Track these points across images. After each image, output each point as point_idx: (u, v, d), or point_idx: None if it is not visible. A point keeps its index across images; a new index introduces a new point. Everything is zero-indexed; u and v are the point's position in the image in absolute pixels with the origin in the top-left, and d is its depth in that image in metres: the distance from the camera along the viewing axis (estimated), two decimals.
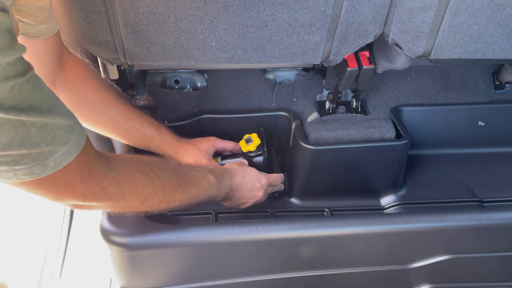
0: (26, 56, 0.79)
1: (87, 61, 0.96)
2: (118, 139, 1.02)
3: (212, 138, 1.11)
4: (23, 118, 0.50)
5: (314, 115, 1.16)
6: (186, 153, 1.06)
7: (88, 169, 0.64)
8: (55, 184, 0.61)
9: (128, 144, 1.03)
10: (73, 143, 0.58)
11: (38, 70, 0.82)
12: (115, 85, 1.01)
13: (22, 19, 0.72)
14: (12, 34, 0.49)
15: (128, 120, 0.99)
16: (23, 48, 0.52)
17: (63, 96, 0.89)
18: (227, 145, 1.13)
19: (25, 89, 0.50)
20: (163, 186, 0.80)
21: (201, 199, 0.88)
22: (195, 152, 1.07)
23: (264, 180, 1.02)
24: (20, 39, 0.75)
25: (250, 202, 1.02)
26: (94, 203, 0.69)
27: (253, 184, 1.00)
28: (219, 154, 1.14)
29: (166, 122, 1.13)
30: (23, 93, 0.50)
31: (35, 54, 0.81)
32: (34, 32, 0.76)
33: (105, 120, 0.97)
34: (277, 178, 1.09)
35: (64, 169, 0.58)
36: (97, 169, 0.66)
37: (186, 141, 1.08)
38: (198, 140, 1.10)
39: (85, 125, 0.96)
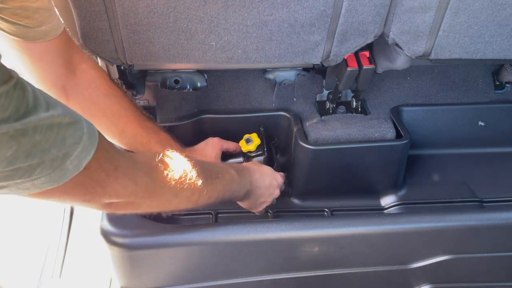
0: (33, 61, 0.77)
1: (99, 63, 0.93)
2: (126, 148, 1.02)
3: (215, 140, 1.10)
4: (20, 126, 0.46)
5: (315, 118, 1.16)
6: None
7: (111, 163, 0.61)
8: (81, 187, 0.57)
9: None
10: (86, 140, 0.55)
11: (46, 75, 0.82)
12: (128, 92, 1.00)
13: (19, 22, 0.69)
14: None
15: (136, 135, 0.97)
16: None
17: (74, 103, 0.87)
18: (230, 145, 1.12)
19: (14, 97, 0.45)
20: (192, 176, 0.76)
21: (226, 195, 0.86)
22: None
23: (280, 179, 1.02)
24: (20, 43, 0.73)
25: (268, 201, 1.02)
26: (129, 199, 0.66)
27: (270, 181, 0.99)
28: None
29: (166, 122, 1.13)
30: (13, 102, 0.45)
31: (41, 58, 0.79)
32: (33, 35, 0.74)
33: (114, 131, 0.96)
34: (284, 176, 1.09)
35: (85, 170, 0.55)
36: (120, 162, 0.63)
37: (194, 154, 1.06)
38: (203, 146, 1.09)
39: None
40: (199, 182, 0.78)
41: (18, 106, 0.46)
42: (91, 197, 0.61)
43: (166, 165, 0.73)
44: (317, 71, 1.18)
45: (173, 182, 0.73)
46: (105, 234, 0.86)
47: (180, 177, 0.74)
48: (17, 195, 0.53)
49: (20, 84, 0.47)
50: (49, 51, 0.79)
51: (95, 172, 0.58)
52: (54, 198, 0.56)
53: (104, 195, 0.62)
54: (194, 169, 0.78)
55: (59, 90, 0.85)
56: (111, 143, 0.64)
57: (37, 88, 0.51)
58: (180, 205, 0.79)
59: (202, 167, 0.80)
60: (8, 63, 0.51)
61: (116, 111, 0.94)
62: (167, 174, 0.72)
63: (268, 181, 0.99)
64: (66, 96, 0.87)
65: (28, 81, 0.75)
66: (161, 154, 0.75)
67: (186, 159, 0.79)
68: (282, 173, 1.09)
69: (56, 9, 0.77)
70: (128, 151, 1.00)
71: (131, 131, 0.97)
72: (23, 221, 1.52)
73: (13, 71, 0.48)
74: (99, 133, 0.59)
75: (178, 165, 0.75)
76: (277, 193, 1.02)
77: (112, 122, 0.94)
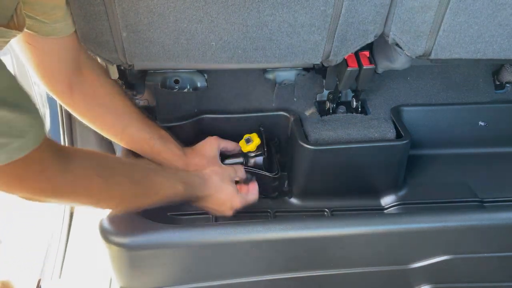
0: (44, 56, 0.80)
1: (103, 64, 0.96)
2: (126, 147, 1.02)
3: (213, 139, 1.11)
4: None
5: (311, 110, 1.16)
6: (196, 167, 1.06)
7: (40, 165, 0.63)
8: (3, 176, 0.60)
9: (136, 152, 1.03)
10: (31, 138, 0.57)
11: (56, 71, 0.85)
12: (128, 92, 1.02)
13: (36, 17, 0.73)
14: None
15: (139, 131, 0.99)
16: None
17: (79, 100, 0.90)
18: (228, 145, 1.13)
19: None
20: (122, 194, 0.80)
21: (161, 204, 0.89)
22: (203, 163, 1.07)
23: (237, 204, 1.02)
24: (34, 37, 0.76)
25: (216, 213, 1.03)
26: (43, 198, 0.69)
27: (223, 202, 1.00)
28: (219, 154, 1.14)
29: (166, 122, 1.13)
30: None
31: (52, 53, 0.82)
32: (47, 30, 0.77)
33: (117, 129, 0.98)
34: (255, 197, 1.08)
35: (14, 162, 0.57)
36: (50, 167, 0.65)
37: (192, 152, 1.08)
38: (201, 146, 1.09)
39: (96, 129, 0.97)
40: (128, 199, 0.82)
41: None
42: (8, 188, 0.63)
43: (96, 180, 0.74)
44: (317, 71, 1.18)
45: (95, 196, 0.76)
46: (105, 234, 0.86)
47: (106, 194, 0.77)
48: None
49: None
50: (60, 47, 0.82)
51: (21, 168, 0.60)
52: None
53: (19, 189, 0.64)
54: (129, 186, 0.81)
55: (65, 86, 0.87)
56: (54, 143, 0.66)
57: (9, 74, 0.53)
58: (101, 208, 0.83)
59: (142, 183, 0.84)
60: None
61: (120, 108, 0.96)
62: (93, 189, 0.74)
63: (221, 201, 1.00)
64: (71, 92, 0.89)
65: (35, 76, 0.78)
66: (104, 166, 0.78)
67: (128, 173, 0.82)
68: (254, 189, 1.07)
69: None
70: (129, 157, 1.01)
71: (135, 127, 0.98)
72: (23, 221, 1.52)
73: None
74: (45, 134, 0.61)
75: (110, 181, 0.77)
76: (229, 213, 1.02)
77: (116, 118, 0.96)
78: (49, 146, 0.64)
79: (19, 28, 0.61)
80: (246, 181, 1.11)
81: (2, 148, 0.54)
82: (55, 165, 0.66)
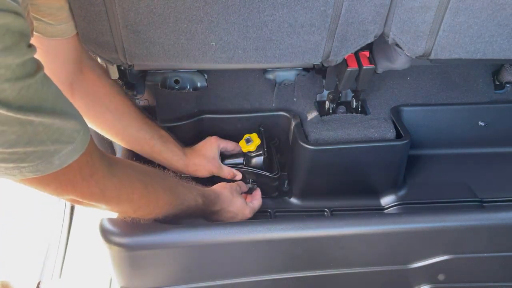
0: (48, 57, 0.80)
1: (104, 65, 0.96)
2: (126, 147, 1.03)
3: (213, 139, 1.11)
4: (32, 118, 0.51)
5: (313, 114, 1.16)
6: (196, 167, 1.08)
7: (90, 169, 0.65)
8: (57, 182, 0.62)
9: (136, 153, 1.03)
10: (79, 142, 0.59)
11: (58, 71, 0.86)
12: (128, 92, 1.02)
13: (42, 19, 0.73)
14: (24, 36, 0.50)
15: (140, 130, 0.99)
16: (34, 49, 0.52)
17: (79, 99, 0.90)
18: (228, 145, 1.13)
19: (33, 89, 0.51)
20: (157, 201, 0.82)
21: (182, 216, 0.91)
22: (203, 163, 1.08)
23: (247, 215, 1.05)
24: (39, 39, 0.77)
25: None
26: (92, 203, 0.70)
27: (235, 214, 1.03)
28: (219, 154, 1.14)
29: (166, 122, 1.13)
30: (31, 93, 0.51)
31: (56, 54, 0.82)
32: (52, 32, 0.77)
33: (118, 128, 0.98)
34: (260, 202, 1.11)
35: (66, 168, 0.59)
36: (99, 171, 0.67)
37: (192, 152, 1.08)
38: (201, 147, 1.10)
39: (96, 129, 0.97)
40: (161, 206, 0.84)
41: (33, 98, 0.51)
42: (61, 192, 0.65)
43: (137, 185, 0.77)
44: (317, 71, 1.18)
45: (136, 202, 0.78)
46: (105, 234, 0.86)
47: (145, 200, 0.79)
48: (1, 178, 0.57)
49: (42, 78, 0.53)
50: (64, 48, 0.83)
51: (73, 173, 0.62)
52: (30, 186, 0.60)
53: (71, 193, 0.66)
54: (162, 194, 0.83)
55: (66, 87, 0.88)
56: (98, 149, 0.68)
57: (54, 85, 0.56)
58: (136, 217, 0.84)
59: (172, 192, 0.86)
60: None
61: (120, 108, 0.96)
62: (135, 194, 0.76)
63: (233, 213, 1.03)
64: (72, 92, 0.89)
65: None
66: (142, 173, 0.80)
67: (161, 181, 0.85)
68: (258, 196, 1.11)
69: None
70: (130, 158, 1.01)
71: (135, 127, 0.99)
72: (23, 221, 1.52)
73: (41, 64, 0.53)
74: (91, 139, 0.63)
75: (149, 187, 0.80)
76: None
77: (116, 118, 0.96)
78: (95, 150, 0.66)
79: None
80: (249, 192, 1.13)
81: (55, 154, 0.56)
82: (103, 169, 0.68)
